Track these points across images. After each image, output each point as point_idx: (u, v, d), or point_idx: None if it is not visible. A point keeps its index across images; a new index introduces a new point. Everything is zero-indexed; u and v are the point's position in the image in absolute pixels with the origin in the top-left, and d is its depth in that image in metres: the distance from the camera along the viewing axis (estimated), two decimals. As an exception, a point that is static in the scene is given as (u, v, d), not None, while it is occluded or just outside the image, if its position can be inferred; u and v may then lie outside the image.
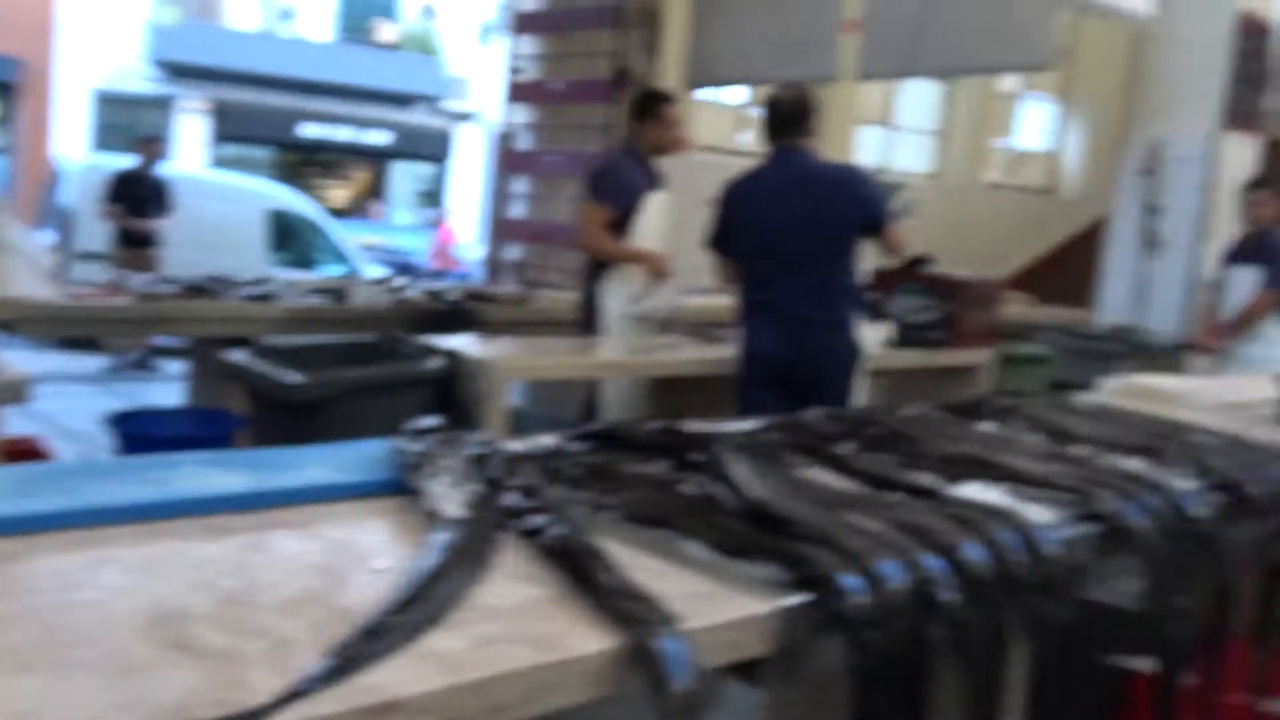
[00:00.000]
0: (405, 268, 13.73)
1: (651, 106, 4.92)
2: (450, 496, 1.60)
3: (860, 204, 3.78)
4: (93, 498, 1.53)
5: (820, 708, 1.49)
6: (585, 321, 4.84)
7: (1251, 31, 7.43)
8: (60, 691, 1.02)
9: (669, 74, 8.12)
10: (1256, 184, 5.91)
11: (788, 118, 3.84)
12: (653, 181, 4.91)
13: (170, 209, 9.02)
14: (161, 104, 19.63)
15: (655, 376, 4.37)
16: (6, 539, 1.40)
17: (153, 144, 9.29)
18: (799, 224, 3.73)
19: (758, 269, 3.79)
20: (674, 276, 4.51)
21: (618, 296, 4.52)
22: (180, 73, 19.34)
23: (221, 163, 19.73)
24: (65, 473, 1.75)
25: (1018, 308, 8.45)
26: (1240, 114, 7.45)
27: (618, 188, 4.66)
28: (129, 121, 18.86)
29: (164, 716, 0.99)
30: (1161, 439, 2.66)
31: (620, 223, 4.57)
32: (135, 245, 8.89)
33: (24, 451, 3.69)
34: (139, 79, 19.34)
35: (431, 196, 23.13)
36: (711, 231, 3.95)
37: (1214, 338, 5.86)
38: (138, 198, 8.90)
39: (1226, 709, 2.41)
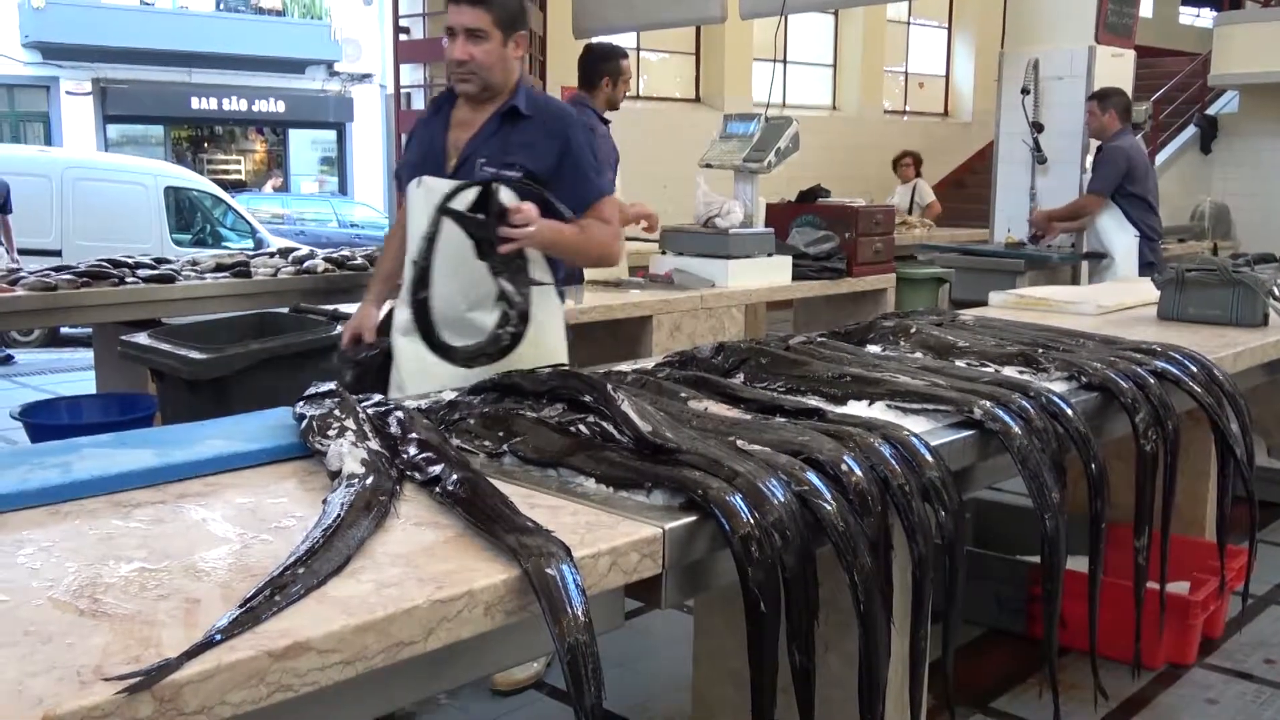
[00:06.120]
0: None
1: (611, 63, 4.76)
2: (351, 454, 1.66)
3: None
4: (1, 485, 1.57)
5: (736, 620, 1.57)
6: None
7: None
8: (-20, 665, 1.08)
9: (557, 24, 8.10)
10: (1092, 95, 6.30)
11: None
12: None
13: (6, 209, 8.53)
14: (42, 87, 18.98)
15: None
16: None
17: None
18: None
19: None
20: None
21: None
22: (59, 54, 18.68)
23: (112, 144, 19.18)
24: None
25: (917, 231, 8.66)
26: (1114, 28, 7.66)
27: (611, 157, 4.49)
28: (7, 108, 18.27)
29: (82, 677, 1.05)
30: (1039, 346, 2.80)
31: None
32: None
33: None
34: (15, 63, 18.65)
35: (334, 163, 22.75)
36: None
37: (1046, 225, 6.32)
38: None
39: (1110, 591, 2.58)
